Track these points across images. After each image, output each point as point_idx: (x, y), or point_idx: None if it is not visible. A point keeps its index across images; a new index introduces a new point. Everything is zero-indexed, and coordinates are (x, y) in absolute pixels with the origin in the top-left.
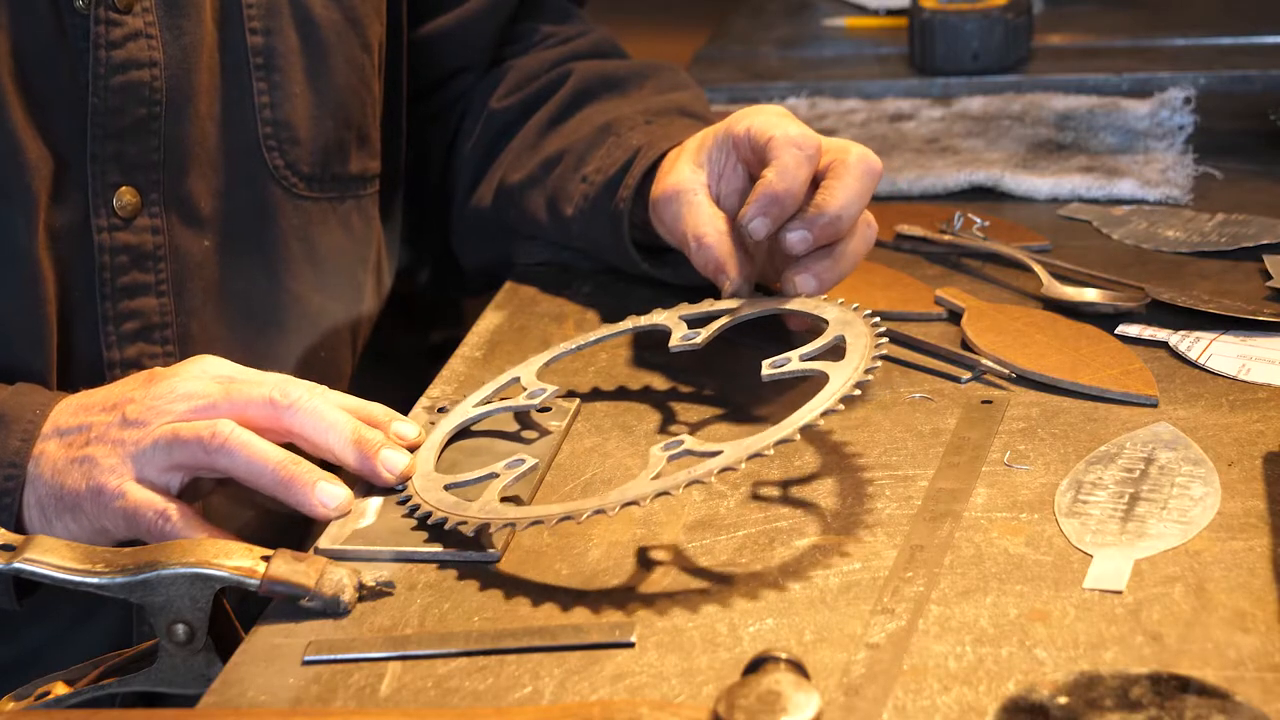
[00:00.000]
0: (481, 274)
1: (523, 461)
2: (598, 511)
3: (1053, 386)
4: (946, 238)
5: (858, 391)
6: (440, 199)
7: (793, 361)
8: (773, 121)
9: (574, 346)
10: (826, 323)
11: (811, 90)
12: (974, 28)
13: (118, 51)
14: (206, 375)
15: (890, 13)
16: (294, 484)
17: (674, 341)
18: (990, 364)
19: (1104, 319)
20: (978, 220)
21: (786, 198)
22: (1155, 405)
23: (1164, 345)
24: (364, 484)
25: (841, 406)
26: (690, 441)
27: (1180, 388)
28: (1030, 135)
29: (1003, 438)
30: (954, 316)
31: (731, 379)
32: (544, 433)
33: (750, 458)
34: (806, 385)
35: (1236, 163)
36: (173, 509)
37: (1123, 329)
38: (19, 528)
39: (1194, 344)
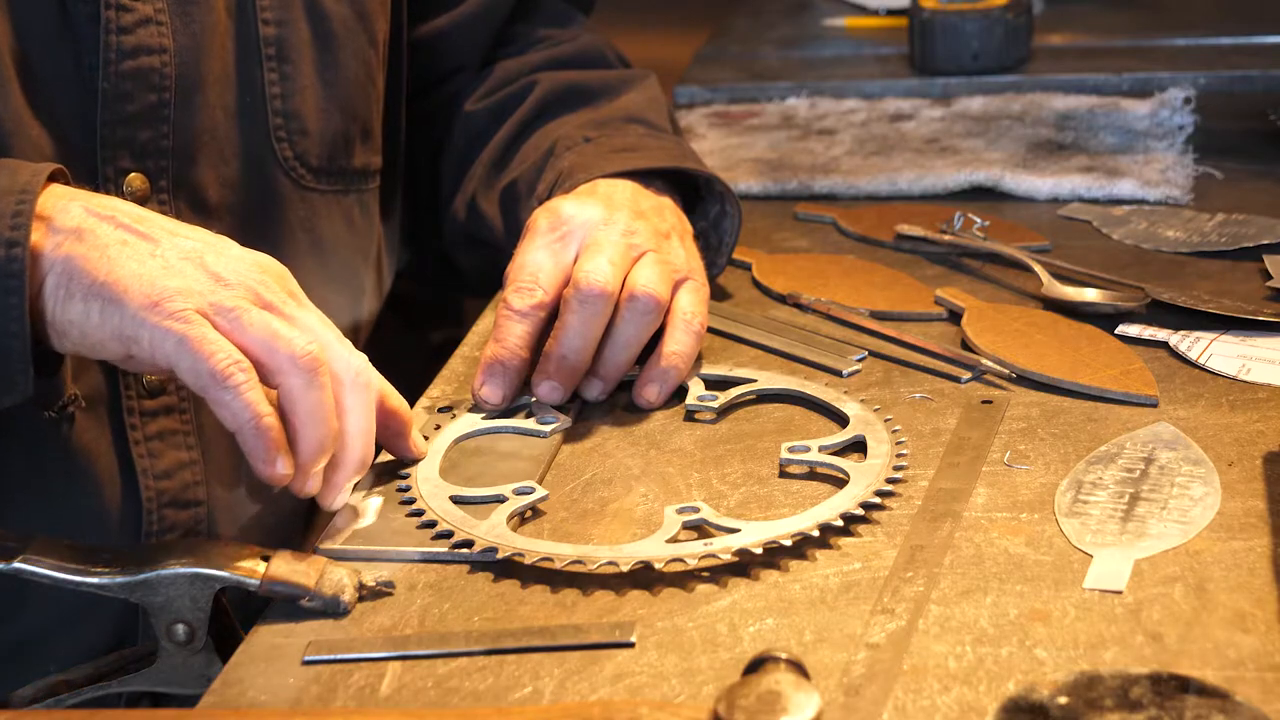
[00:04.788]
0: (478, 275)
1: (531, 490)
2: (609, 563)
3: (1053, 386)
4: (946, 238)
5: (877, 500)
6: (434, 199)
7: (812, 451)
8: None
9: None
10: (847, 419)
11: (811, 90)
12: (974, 28)
13: (128, 37)
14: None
15: (890, 13)
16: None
17: (690, 400)
18: (990, 364)
19: (1104, 319)
20: (978, 220)
21: (497, 362)
22: (1155, 405)
23: (1164, 345)
24: (365, 484)
25: (861, 511)
26: (706, 511)
27: (1180, 388)
28: (1030, 135)
29: (1003, 438)
30: (954, 316)
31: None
32: (543, 432)
33: (767, 544)
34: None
35: (1236, 163)
36: (247, 363)
37: (1123, 329)
38: (33, 294)
39: (1194, 344)
